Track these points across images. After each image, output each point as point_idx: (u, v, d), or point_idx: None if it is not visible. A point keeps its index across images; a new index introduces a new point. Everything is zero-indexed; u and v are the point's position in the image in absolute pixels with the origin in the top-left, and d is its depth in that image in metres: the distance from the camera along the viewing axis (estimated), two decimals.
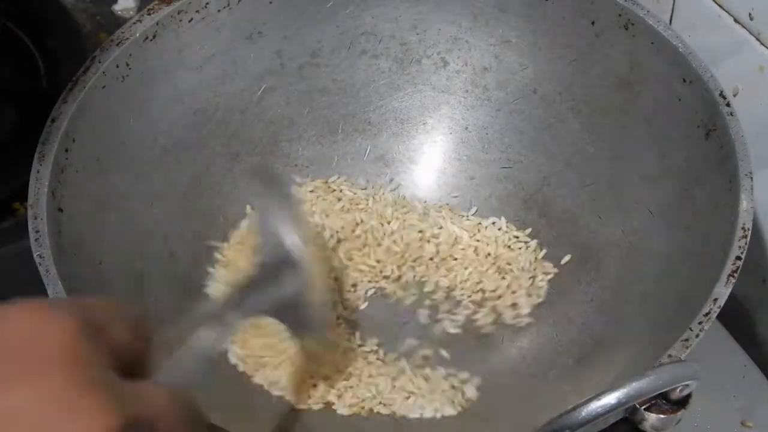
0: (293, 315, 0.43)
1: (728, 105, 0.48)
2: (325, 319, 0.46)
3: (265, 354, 0.52)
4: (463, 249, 0.57)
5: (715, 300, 0.42)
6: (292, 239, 0.43)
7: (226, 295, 0.40)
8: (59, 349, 0.24)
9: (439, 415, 0.51)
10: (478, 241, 0.57)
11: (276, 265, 0.42)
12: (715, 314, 0.42)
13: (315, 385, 0.51)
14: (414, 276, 0.56)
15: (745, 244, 0.44)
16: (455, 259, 0.57)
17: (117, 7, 0.72)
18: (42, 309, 0.25)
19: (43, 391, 0.23)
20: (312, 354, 0.52)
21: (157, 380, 0.29)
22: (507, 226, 0.58)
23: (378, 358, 0.53)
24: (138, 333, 0.28)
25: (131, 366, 0.27)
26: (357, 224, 0.58)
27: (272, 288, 0.41)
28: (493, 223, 0.58)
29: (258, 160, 0.58)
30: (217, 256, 0.56)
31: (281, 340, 0.52)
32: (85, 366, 0.24)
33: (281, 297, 0.41)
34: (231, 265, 0.55)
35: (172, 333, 0.33)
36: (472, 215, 0.59)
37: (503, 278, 0.56)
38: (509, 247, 0.57)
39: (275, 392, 0.51)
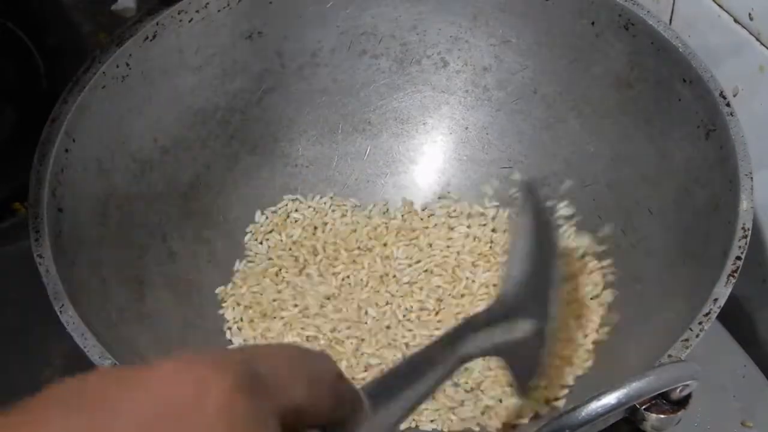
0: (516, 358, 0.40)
1: (728, 105, 0.48)
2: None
3: None
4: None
5: (715, 300, 0.42)
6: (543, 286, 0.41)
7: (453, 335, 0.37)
8: (219, 413, 0.22)
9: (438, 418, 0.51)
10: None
11: (515, 302, 0.40)
12: (715, 314, 0.42)
13: None
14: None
15: (745, 244, 0.44)
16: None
17: (117, 7, 0.72)
18: (199, 363, 0.23)
19: None
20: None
21: None
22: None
23: None
24: (316, 385, 0.25)
25: (306, 421, 0.25)
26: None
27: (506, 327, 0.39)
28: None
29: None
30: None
31: None
32: (247, 429, 0.22)
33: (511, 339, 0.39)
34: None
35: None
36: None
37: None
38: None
39: None
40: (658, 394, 0.39)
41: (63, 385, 0.23)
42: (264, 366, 0.24)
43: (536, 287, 0.42)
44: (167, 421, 0.22)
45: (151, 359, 0.23)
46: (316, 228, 0.58)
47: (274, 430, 0.23)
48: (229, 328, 0.54)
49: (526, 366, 0.41)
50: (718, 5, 0.54)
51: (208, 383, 0.22)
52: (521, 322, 0.40)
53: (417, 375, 0.31)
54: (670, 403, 0.40)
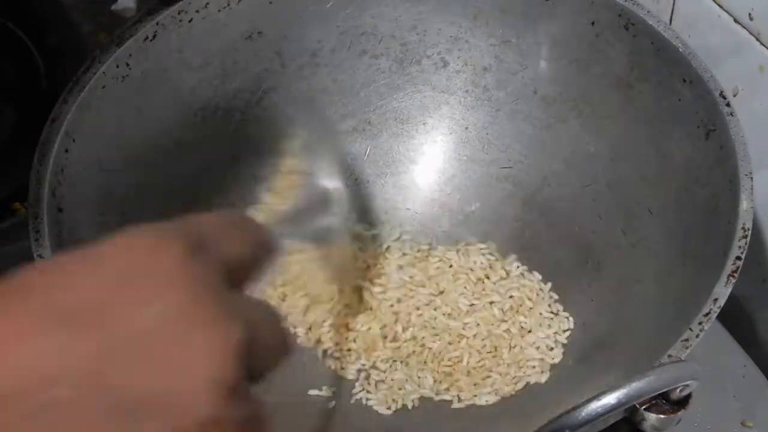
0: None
1: (728, 105, 0.48)
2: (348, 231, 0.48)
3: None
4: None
5: (715, 300, 0.42)
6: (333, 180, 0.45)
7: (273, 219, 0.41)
8: (175, 271, 0.25)
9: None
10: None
11: (316, 197, 0.45)
12: (715, 314, 0.42)
13: None
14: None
15: (745, 244, 0.44)
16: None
17: (117, 7, 0.72)
18: (150, 235, 0.26)
19: (173, 306, 0.25)
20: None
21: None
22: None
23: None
24: (244, 242, 0.29)
25: (243, 273, 0.29)
26: None
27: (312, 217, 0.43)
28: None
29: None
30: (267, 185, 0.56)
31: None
32: (200, 283, 0.25)
33: (318, 226, 0.44)
34: (280, 193, 0.56)
35: None
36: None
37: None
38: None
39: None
40: (658, 394, 0.39)
41: (26, 272, 0.25)
42: (205, 230, 0.28)
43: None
44: (125, 287, 0.25)
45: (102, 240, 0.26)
46: None
47: (221, 284, 0.26)
48: None
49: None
50: (718, 5, 0.54)
51: (159, 250, 0.26)
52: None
53: None
54: (670, 403, 0.40)
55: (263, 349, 0.27)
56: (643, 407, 0.40)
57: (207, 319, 0.25)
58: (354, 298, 0.55)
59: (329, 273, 0.53)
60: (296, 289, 0.54)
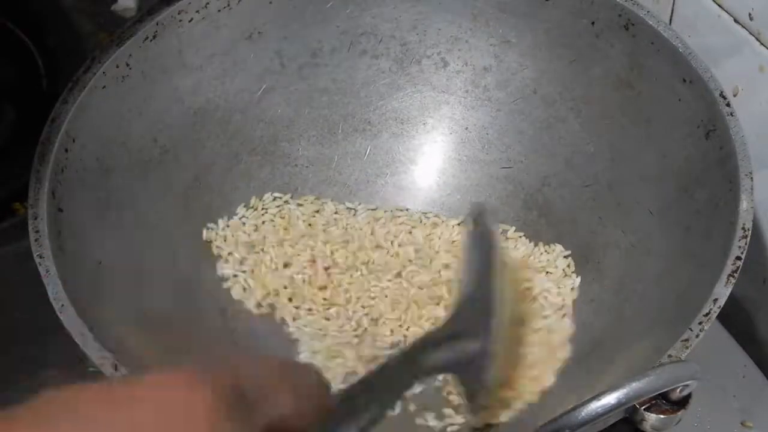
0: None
1: (728, 105, 0.48)
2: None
3: None
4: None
5: (715, 300, 0.42)
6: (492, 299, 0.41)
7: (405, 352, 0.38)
8: (200, 428, 0.23)
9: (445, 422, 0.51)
10: None
11: (467, 318, 0.41)
12: (715, 314, 0.42)
13: None
14: None
15: (745, 244, 0.44)
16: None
17: (117, 7, 0.72)
18: (183, 382, 0.24)
19: None
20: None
21: None
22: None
23: None
24: (303, 400, 0.26)
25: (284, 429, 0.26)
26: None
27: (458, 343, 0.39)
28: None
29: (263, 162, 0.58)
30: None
31: None
32: None
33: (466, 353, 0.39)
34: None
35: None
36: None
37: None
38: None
39: None
40: (658, 394, 0.39)
41: (52, 397, 0.23)
42: (247, 379, 0.25)
43: (483, 307, 0.43)
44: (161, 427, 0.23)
45: (136, 373, 0.24)
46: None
47: None
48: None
49: (476, 385, 0.41)
50: (718, 5, 0.54)
51: (190, 401, 0.23)
52: (470, 340, 0.40)
53: (376, 391, 0.32)
54: (670, 403, 0.40)
55: None
56: (643, 407, 0.40)
57: None
58: None
59: None
60: None
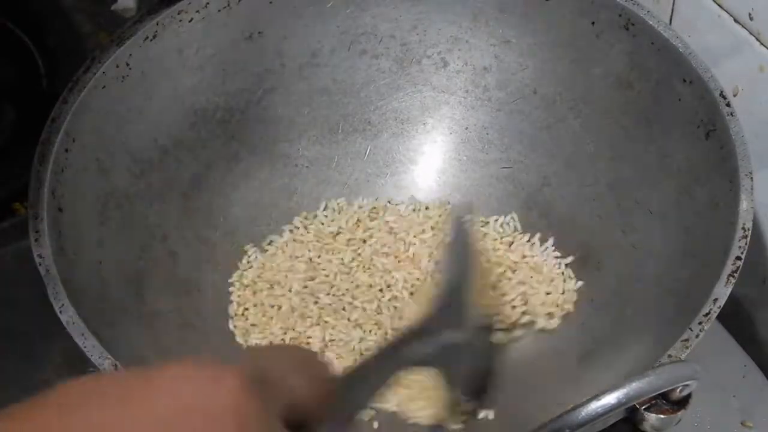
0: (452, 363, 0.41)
1: (728, 105, 0.48)
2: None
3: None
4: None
5: (715, 300, 0.42)
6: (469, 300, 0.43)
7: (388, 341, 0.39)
8: (228, 412, 0.24)
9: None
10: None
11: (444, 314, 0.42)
12: (715, 314, 0.42)
13: None
14: None
15: (745, 244, 0.44)
16: None
17: (117, 7, 0.72)
18: (209, 368, 0.25)
19: None
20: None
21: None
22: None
23: None
24: (314, 384, 0.28)
25: (304, 416, 0.27)
26: None
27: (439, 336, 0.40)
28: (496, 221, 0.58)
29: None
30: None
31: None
32: (254, 425, 0.24)
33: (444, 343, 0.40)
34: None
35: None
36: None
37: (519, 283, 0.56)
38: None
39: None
40: (658, 394, 0.39)
41: (76, 384, 0.24)
42: (269, 366, 0.26)
43: (459, 302, 0.44)
44: (179, 420, 0.23)
45: (158, 362, 0.24)
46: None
47: (278, 426, 0.25)
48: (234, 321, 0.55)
49: (456, 379, 0.42)
50: (718, 5, 0.54)
51: (215, 385, 0.24)
52: (448, 333, 0.40)
53: (363, 380, 0.33)
54: (670, 403, 0.40)
55: None
56: (643, 407, 0.40)
57: None
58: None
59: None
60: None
